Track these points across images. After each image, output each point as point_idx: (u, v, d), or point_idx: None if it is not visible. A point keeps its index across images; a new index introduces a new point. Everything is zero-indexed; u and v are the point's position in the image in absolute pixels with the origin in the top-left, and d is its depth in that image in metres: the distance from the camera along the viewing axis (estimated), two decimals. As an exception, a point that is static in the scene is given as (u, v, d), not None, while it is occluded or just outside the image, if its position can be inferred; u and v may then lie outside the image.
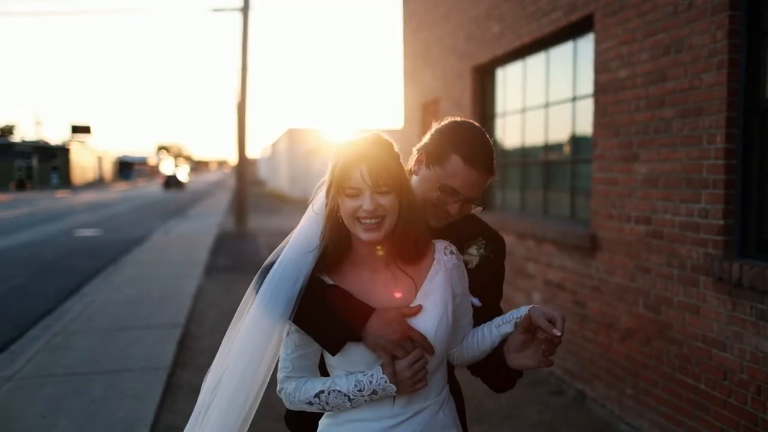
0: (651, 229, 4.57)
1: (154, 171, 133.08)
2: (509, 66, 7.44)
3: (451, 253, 1.99)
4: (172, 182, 65.31)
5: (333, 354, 1.90)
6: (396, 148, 1.92)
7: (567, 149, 6.29)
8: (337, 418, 1.97)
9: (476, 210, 2.13)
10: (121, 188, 74.02)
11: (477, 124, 2.14)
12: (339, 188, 1.85)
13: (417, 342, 1.86)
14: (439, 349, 1.90)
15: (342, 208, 1.86)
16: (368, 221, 1.83)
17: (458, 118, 2.16)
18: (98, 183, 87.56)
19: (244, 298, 1.97)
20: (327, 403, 1.90)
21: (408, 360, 1.83)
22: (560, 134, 6.39)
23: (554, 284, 5.99)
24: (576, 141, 6.07)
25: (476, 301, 2.12)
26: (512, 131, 7.49)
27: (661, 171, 4.44)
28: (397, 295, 1.92)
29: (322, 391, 1.90)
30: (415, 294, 1.92)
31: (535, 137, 6.89)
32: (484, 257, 2.15)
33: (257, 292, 1.92)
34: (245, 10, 20.20)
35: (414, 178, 2.12)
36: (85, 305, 9.34)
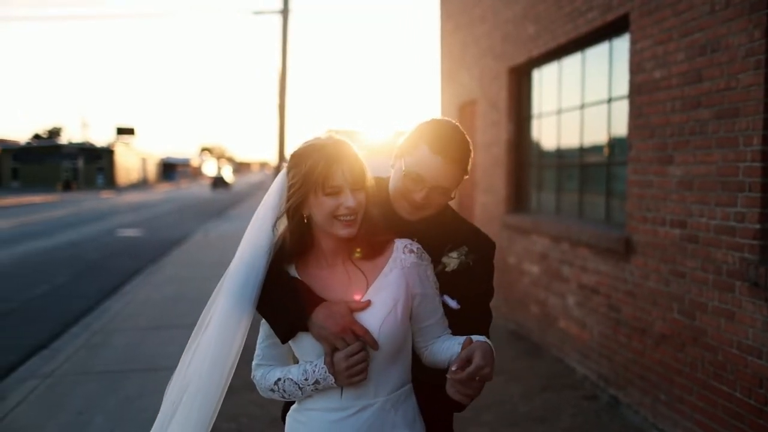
0: (686, 233, 4.48)
1: (196, 172, 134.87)
2: (545, 67, 7.37)
3: (411, 252, 2.00)
4: (219, 182, 68.92)
5: (282, 342, 1.98)
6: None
7: (602, 151, 6.20)
8: (299, 405, 2.06)
9: (444, 200, 2.12)
10: (164, 189, 75.25)
11: (455, 122, 2.17)
12: (318, 187, 1.90)
13: (360, 336, 1.88)
14: (385, 346, 1.92)
15: (320, 207, 1.92)
16: (348, 217, 1.91)
17: (438, 117, 2.20)
18: (142, 184, 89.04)
19: (213, 295, 2.06)
20: (284, 391, 2.00)
21: (345, 351, 1.87)
22: (596, 136, 6.30)
23: (589, 288, 5.91)
24: (612, 143, 5.98)
25: (453, 304, 2.11)
26: (548, 133, 7.42)
27: (697, 173, 4.35)
28: (348, 290, 1.96)
29: (279, 379, 2.01)
30: (366, 290, 1.96)
31: (570, 139, 6.81)
32: (464, 264, 2.12)
33: (223, 289, 2.02)
34: (285, 12, 20.37)
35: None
36: (124, 304, 9.51)
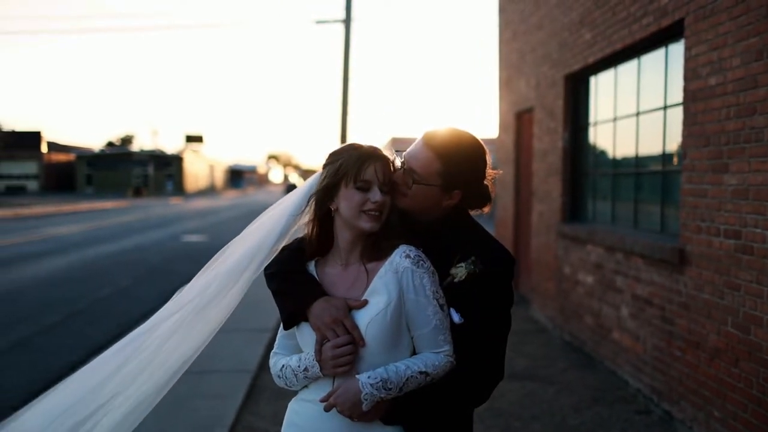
0: (741, 244, 4.33)
1: (263, 179, 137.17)
2: (601, 74, 7.25)
3: (407, 257, 2.04)
4: (291, 188, 74.56)
5: (285, 327, 2.14)
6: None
7: (658, 159, 6.06)
8: (297, 396, 2.18)
9: (414, 188, 2.13)
10: (231, 196, 76.86)
11: (466, 131, 2.21)
12: (349, 178, 2.03)
13: (349, 329, 2.00)
14: (372, 344, 2.00)
15: (349, 200, 2.04)
16: (374, 212, 2.03)
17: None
18: (210, 190, 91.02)
19: (211, 261, 2.32)
20: (286, 377, 2.14)
21: (333, 342, 1.99)
22: (651, 144, 6.16)
23: (642, 299, 5.77)
24: (667, 151, 5.83)
25: (456, 318, 2.08)
26: (604, 141, 7.29)
27: (752, 182, 4.21)
28: (351, 288, 2.08)
29: (283, 366, 2.15)
30: (365, 290, 2.05)
31: (626, 147, 6.68)
32: (471, 273, 2.07)
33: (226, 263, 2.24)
34: (347, 21, 20.54)
35: None
36: (184, 308, 9.70)
